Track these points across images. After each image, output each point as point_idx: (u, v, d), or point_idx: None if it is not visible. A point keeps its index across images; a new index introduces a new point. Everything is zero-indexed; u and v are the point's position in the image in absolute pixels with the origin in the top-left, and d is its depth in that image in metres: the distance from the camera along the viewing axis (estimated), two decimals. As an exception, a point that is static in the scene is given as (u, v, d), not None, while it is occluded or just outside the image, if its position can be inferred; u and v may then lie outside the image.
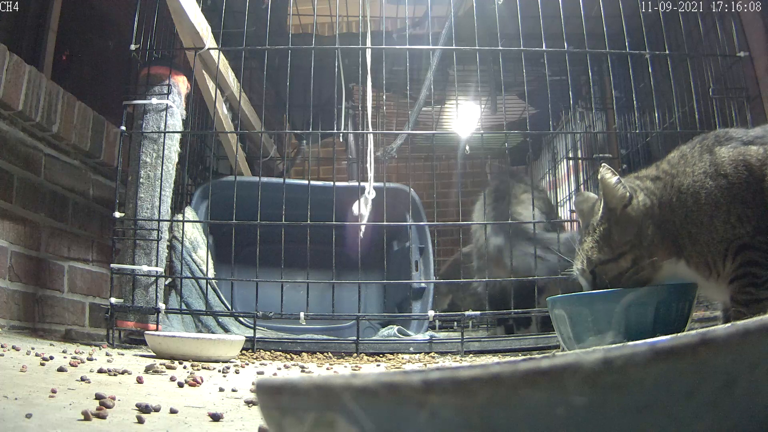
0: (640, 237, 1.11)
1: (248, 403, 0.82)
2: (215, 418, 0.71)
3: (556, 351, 1.56)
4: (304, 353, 1.72)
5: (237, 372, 1.23)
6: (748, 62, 1.97)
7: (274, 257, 1.84)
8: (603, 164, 1.15)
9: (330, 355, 1.72)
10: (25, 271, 1.82)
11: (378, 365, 1.52)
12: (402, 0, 2.34)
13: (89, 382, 0.92)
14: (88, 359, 1.24)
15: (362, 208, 2.00)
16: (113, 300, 1.72)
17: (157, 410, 0.73)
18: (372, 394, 0.29)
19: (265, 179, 2.01)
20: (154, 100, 1.85)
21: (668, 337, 0.40)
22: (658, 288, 1.09)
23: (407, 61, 1.97)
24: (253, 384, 0.95)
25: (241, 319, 1.97)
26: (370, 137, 2.07)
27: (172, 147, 1.88)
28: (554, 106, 2.92)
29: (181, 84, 1.93)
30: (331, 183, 2.17)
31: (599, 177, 1.14)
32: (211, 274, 2.05)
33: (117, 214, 1.79)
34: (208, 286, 1.98)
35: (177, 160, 1.91)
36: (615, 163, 2.92)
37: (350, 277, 2.09)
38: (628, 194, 1.13)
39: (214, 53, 2.01)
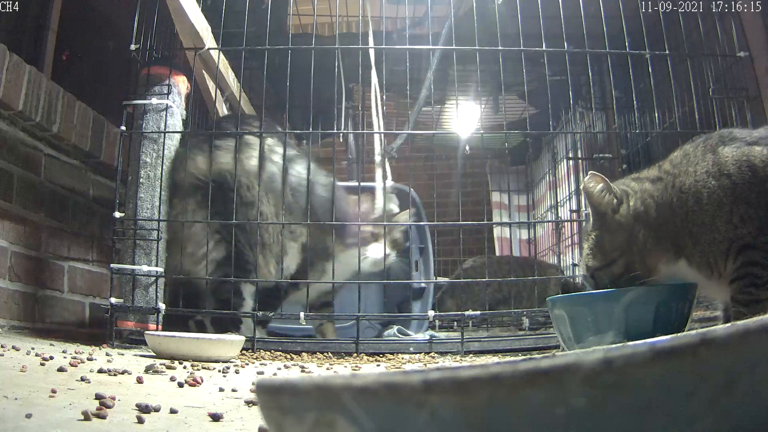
0: (629, 243, 1.11)
1: (248, 403, 0.82)
2: (215, 418, 0.71)
3: (556, 351, 1.56)
4: (304, 353, 1.72)
5: (237, 372, 1.23)
6: (748, 62, 1.97)
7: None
8: (590, 172, 1.15)
9: (330, 355, 1.72)
10: (25, 271, 1.82)
11: (378, 365, 1.52)
12: (402, 0, 2.34)
13: (89, 382, 0.92)
14: (88, 359, 1.24)
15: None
16: (113, 300, 1.72)
17: (157, 410, 0.73)
18: (372, 394, 0.29)
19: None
20: (154, 100, 1.85)
21: (668, 337, 0.40)
22: (658, 288, 1.09)
23: (407, 61, 1.96)
24: (253, 384, 0.95)
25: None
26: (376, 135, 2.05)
27: (172, 147, 1.88)
28: (554, 106, 2.92)
29: (181, 84, 1.93)
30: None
31: (581, 187, 1.14)
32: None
33: (117, 214, 1.79)
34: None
35: (177, 160, 1.91)
36: (615, 163, 2.92)
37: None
38: (615, 200, 1.13)
39: (214, 53, 2.01)
